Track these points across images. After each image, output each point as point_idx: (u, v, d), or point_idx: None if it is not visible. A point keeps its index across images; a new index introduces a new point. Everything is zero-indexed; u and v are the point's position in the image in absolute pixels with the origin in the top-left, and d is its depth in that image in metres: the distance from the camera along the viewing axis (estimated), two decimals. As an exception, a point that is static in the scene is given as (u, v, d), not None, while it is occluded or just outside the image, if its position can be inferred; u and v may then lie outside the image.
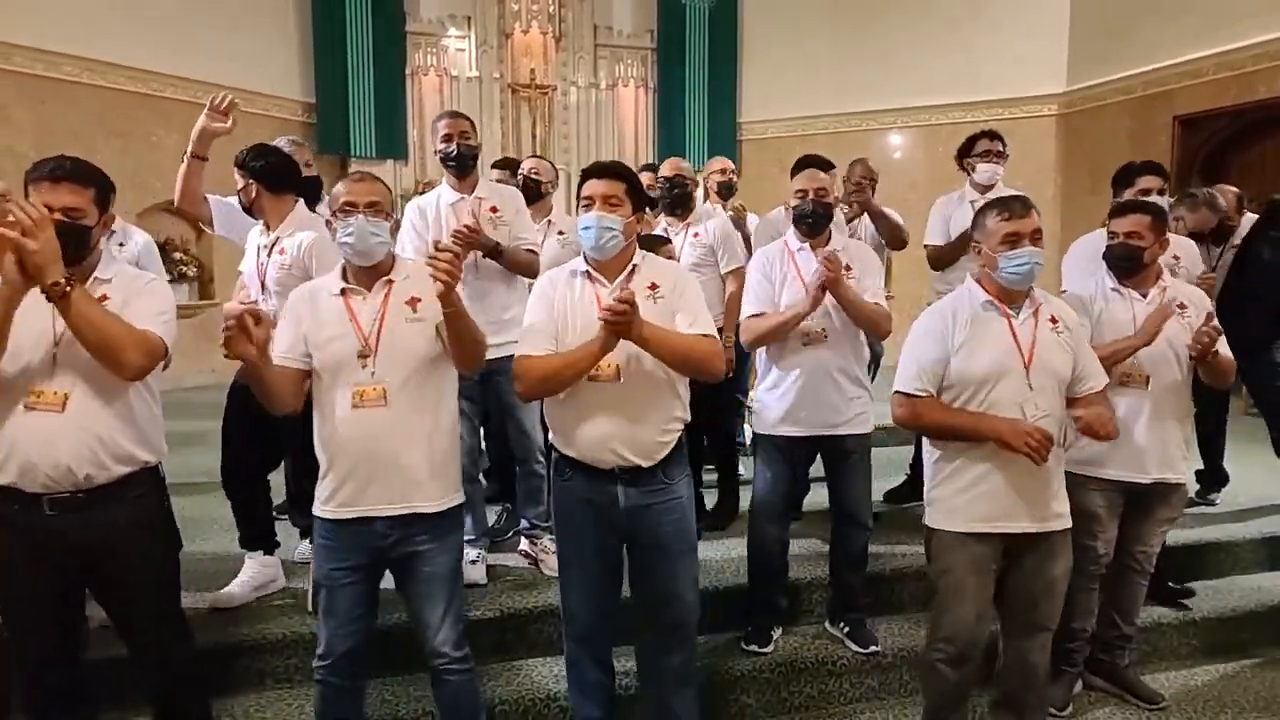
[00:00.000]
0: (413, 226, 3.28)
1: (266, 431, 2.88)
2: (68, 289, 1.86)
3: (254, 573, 3.04)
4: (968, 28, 8.77)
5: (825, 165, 3.61)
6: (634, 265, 2.32)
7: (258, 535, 3.08)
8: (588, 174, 2.34)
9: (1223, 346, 2.76)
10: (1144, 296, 2.78)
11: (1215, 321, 2.66)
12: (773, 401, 2.95)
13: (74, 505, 2.03)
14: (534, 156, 4.52)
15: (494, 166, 4.52)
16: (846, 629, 3.08)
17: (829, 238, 3.00)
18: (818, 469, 3.09)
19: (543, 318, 2.28)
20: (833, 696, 2.98)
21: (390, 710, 2.65)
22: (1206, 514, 4.01)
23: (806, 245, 2.96)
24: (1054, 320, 2.39)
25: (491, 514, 3.68)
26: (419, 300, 2.17)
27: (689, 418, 2.37)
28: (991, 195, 3.88)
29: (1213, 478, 4.20)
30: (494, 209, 3.23)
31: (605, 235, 2.24)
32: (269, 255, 2.93)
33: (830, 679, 2.98)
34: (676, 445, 2.32)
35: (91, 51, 6.95)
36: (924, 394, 2.37)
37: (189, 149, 3.09)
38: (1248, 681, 3.13)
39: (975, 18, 8.75)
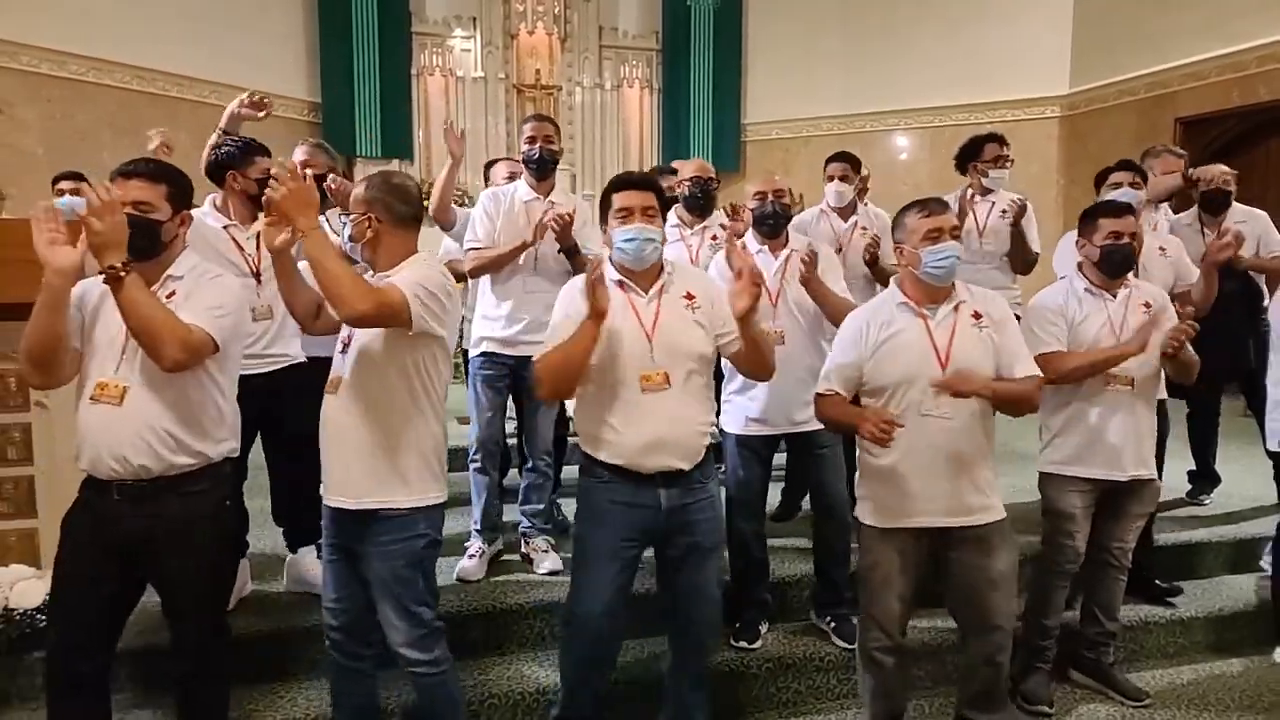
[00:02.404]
0: (485, 214, 3.35)
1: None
2: (122, 274, 1.92)
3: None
4: (972, 29, 8.78)
5: (855, 162, 3.84)
6: (668, 274, 2.39)
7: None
8: (621, 185, 2.40)
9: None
10: (1114, 297, 2.82)
11: (1186, 323, 2.69)
12: (742, 402, 3.00)
13: (136, 494, 2.08)
14: (509, 159, 4.53)
15: (489, 165, 4.55)
16: (832, 624, 3.11)
17: (786, 239, 3.06)
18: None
19: (566, 325, 2.32)
20: (820, 692, 3.01)
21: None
22: (1198, 514, 4.02)
23: (765, 247, 3.03)
24: (977, 315, 2.44)
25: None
26: None
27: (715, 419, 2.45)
28: (1013, 197, 3.95)
29: (1205, 478, 4.21)
30: (568, 216, 3.28)
31: (649, 247, 2.32)
32: (257, 246, 2.93)
33: (818, 674, 3.01)
34: (709, 446, 2.41)
35: (99, 50, 7.04)
36: (831, 394, 2.47)
37: (221, 124, 3.18)
38: (1233, 681, 3.15)
39: (979, 19, 8.75)
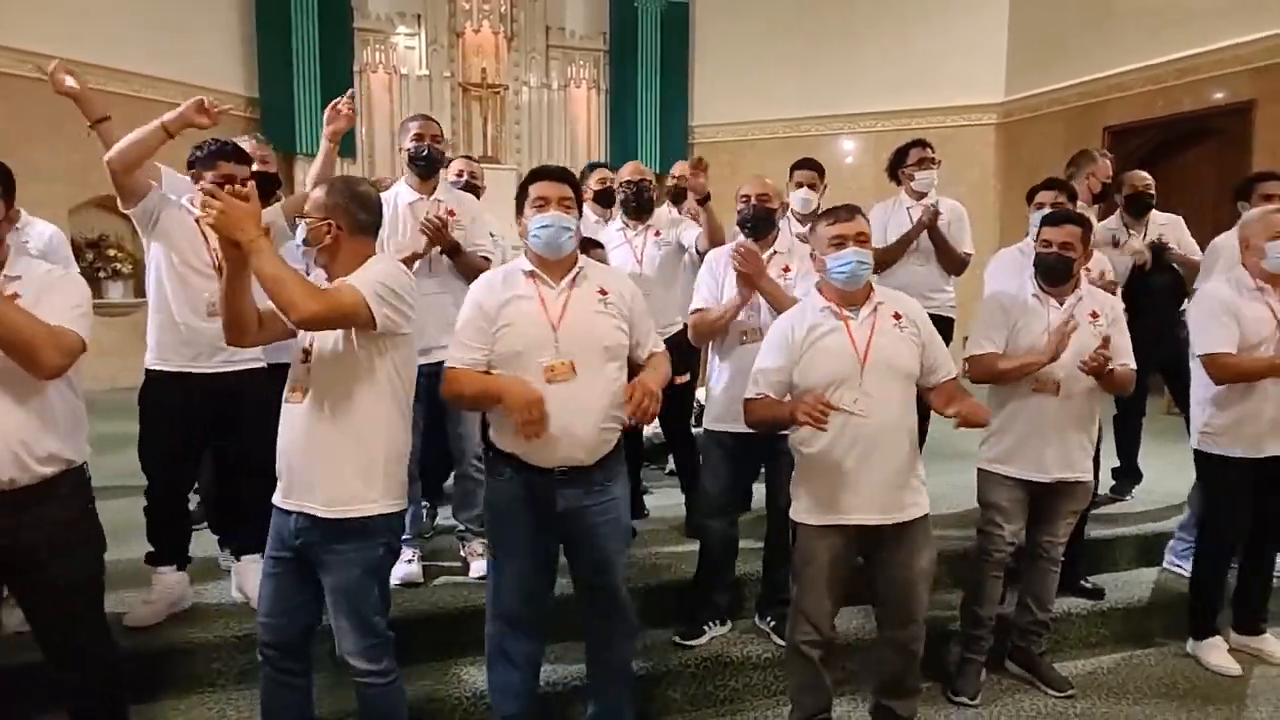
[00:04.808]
0: None
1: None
2: None
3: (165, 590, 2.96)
4: (914, 37, 8.99)
5: (821, 169, 3.95)
6: (580, 268, 2.39)
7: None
8: (539, 176, 2.40)
9: (1129, 359, 2.91)
10: (1060, 304, 2.91)
11: (1110, 345, 2.77)
12: (722, 399, 3.02)
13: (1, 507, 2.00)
14: (464, 157, 4.55)
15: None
16: (772, 623, 3.16)
17: (775, 239, 3.08)
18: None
19: (475, 328, 2.32)
20: (755, 690, 3.05)
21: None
22: (1121, 510, 4.18)
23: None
24: (897, 316, 2.51)
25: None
26: None
27: (625, 417, 2.42)
28: (927, 201, 4.06)
29: (1128, 474, 4.38)
30: (451, 212, 3.27)
31: (564, 235, 2.32)
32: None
33: (754, 672, 3.05)
34: (615, 445, 2.39)
35: (25, 43, 6.77)
36: (760, 397, 2.53)
37: (165, 118, 2.87)
38: (1150, 669, 3.28)
39: (921, 27, 8.97)
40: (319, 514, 2.14)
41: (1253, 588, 3.34)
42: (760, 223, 3.04)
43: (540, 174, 2.42)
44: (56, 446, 2.07)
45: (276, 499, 2.23)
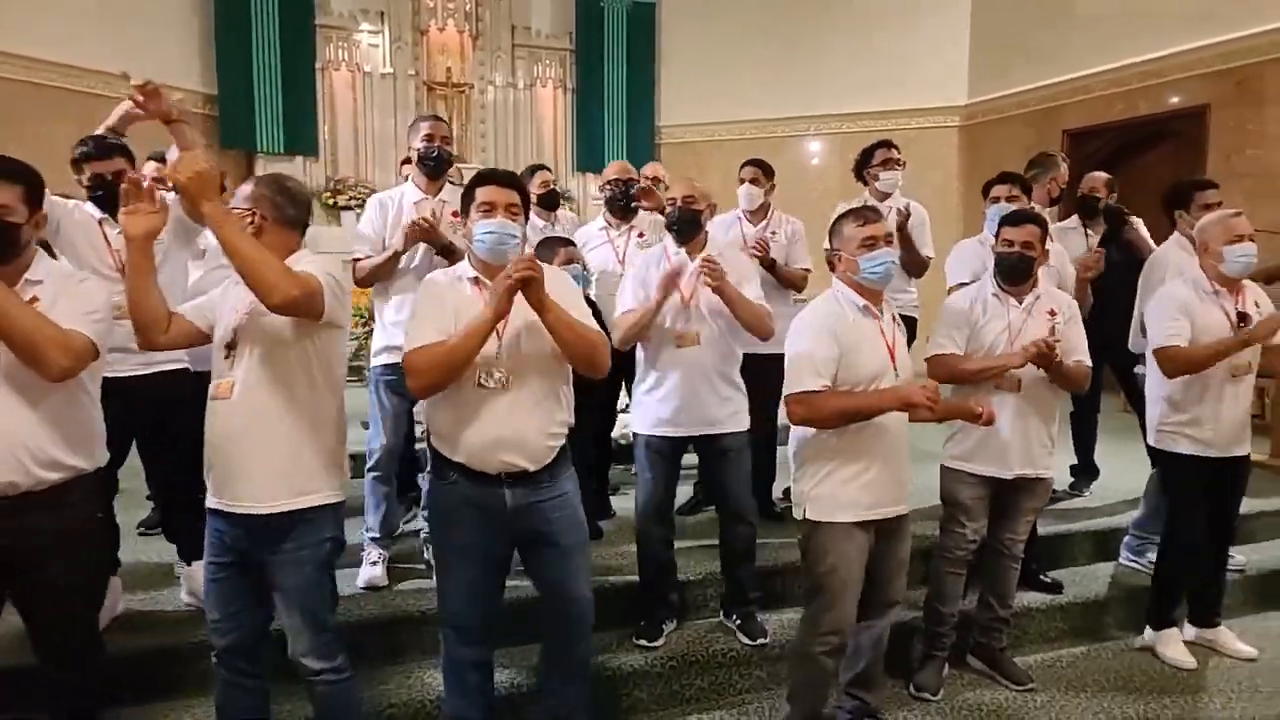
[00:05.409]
0: (370, 222, 3.28)
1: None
2: None
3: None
4: (879, 39, 9.07)
5: (767, 167, 3.94)
6: None
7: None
8: (485, 180, 2.35)
9: (1084, 356, 2.96)
10: (1020, 303, 2.95)
11: (1056, 336, 2.84)
12: (652, 403, 3.02)
13: (2, 512, 1.97)
14: (543, 167, 4.62)
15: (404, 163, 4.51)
16: (739, 621, 3.17)
17: (704, 243, 3.08)
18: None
19: (434, 314, 2.25)
20: (723, 688, 3.05)
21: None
22: (1078, 506, 4.25)
23: (684, 250, 3.05)
24: (893, 319, 2.62)
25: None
26: None
27: (573, 421, 2.41)
28: (892, 202, 4.09)
29: (1085, 471, 4.45)
30: (455, 214, 3.20)
31: (510, 242, 2.28)
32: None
33: (720, 670, 3.06)
34: (561, 449, 2.35)
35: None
36: (824, 389, 2.45)
37: (109, 123, 2.86)
38: (1107, 662, 3.33)
39: (886, 30, 9.05)
40: (257, 511, 2.10)
41: (1209, 582, 3.40)
42: (686, 225, 3.03)
43: (487, 178, 2.36)
44: (62, 453, 2.04)
45: (208, 500, 2.18)
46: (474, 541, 2.32)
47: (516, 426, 2.25)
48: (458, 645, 2.42)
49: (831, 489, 2.52)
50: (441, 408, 2.29)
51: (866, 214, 2.57)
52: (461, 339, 2.15)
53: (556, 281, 2.35)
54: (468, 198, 2.35)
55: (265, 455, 2.10)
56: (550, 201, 4.57)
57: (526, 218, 2.46)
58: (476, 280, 2.32)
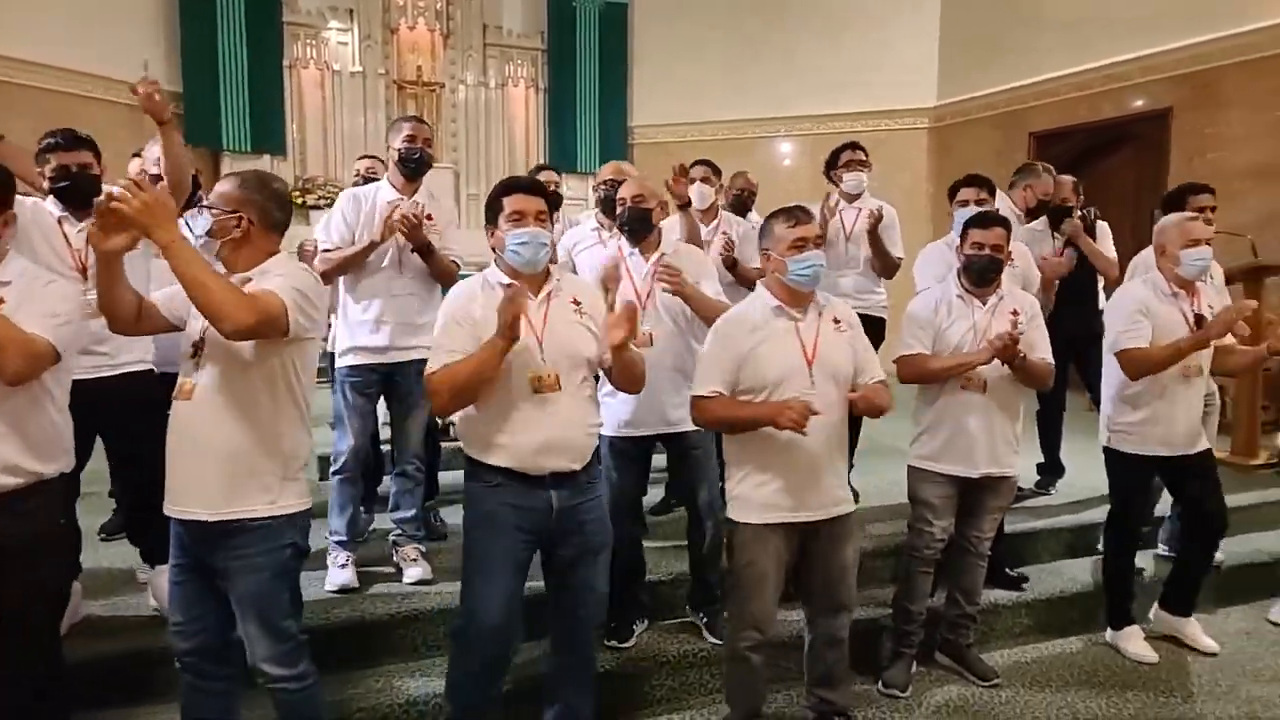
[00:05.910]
0: (343, 215, 3.24)
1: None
2: None
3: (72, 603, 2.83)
4: (850, 42, 9.15)
5: (715, 168, 3.99)
6: (555, 280, 2.38)
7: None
8: (514, 188, 2.37)
9: (1047, 354, 2.99)
10: (984, 304, 2.99)
11: (1015, 330, 2.86)
12: (614, 404, 3.01)
13: None
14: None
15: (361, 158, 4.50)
16: (705, 619, 3.17)
17: (658, 241, 3.08)
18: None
19: (458, 333, 2.27)
20: (692, 688, 3.05)
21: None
22: (1043, 504, 4.31)
23: (637, 251, 3.05)
24: (836, 320, 2.57)
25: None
26: None
27: (602, 421, 2.49)
28: (861, 203, 4.12)
29: (1050, 469, 4.51)
30: (429, 216, 3.22)
31: (543, 250, 2.31)
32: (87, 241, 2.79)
33: (690, 670, 3.05)
34: (595, 449, 2.43)
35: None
36: (715, 395, 2.50)
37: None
38: (1072, 658, 3.38)
39: (856, 32, 9.14)
40: (209, 518, 2.06)
41: (1190, 574, 3.44)
42: (637, 224, 3.02)
43: (514, 186, 2.38)
44: (22, 458, 2.00)
45: (165, 506, 2.14)
46: (512, 544, 2.33)
47: (564, 428, 2.30)
48: (476, 653, 2.39)
49: (747, 490, 2.54)
50: (483, 413, 2.30)
51: (798, 214, 2.54)
52: (478, 364, 2.19)
53: (590, 296, 2.44)
54: (494, 207, 2.36)
55: (217, 461, 2.06)
56: (553, 203, 4.59)
57: (551, 224, 2.49)
58: (509, 287, 2.31)
